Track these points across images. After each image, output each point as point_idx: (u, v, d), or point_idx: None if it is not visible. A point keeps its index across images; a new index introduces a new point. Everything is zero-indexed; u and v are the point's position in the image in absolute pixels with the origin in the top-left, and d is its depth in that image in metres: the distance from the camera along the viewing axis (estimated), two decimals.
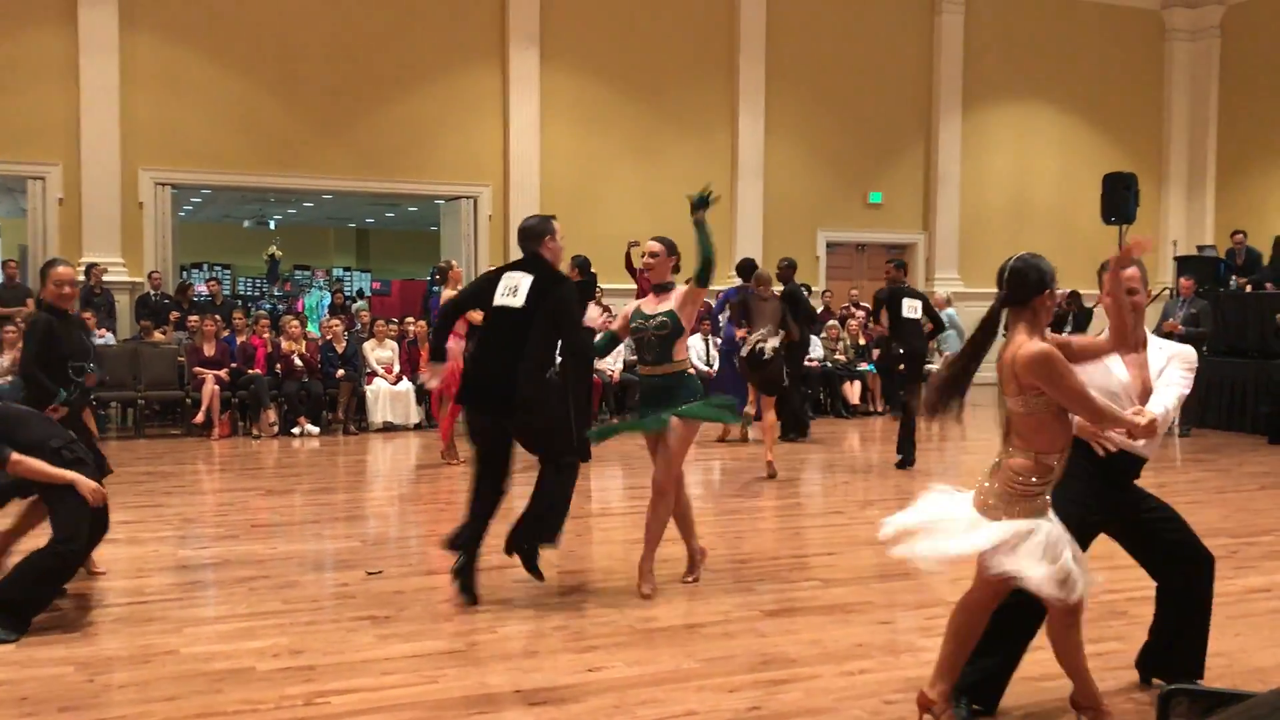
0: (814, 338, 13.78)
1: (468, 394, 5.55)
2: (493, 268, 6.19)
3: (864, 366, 14.42)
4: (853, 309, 15.49)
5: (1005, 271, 3.58)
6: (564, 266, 9.27)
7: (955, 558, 3.58)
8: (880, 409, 14.55)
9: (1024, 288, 3.53)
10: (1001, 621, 3.85)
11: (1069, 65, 18.07)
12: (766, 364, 9.44)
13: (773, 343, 9.41)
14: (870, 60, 16.98)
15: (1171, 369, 4.02)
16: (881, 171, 17.34)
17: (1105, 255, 4.04)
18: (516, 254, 5.73)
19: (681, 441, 5.51)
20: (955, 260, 17.54)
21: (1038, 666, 4.15)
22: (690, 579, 5.77)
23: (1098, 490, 3.96)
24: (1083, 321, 15.23)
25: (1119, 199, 15.17)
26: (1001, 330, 3.68)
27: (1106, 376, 3.90)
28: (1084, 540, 3.84)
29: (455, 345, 10.04)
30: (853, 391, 14.30)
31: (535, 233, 5.56)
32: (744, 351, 9.55)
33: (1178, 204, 18.90)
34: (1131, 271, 3.87)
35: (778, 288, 11.06)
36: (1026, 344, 3.47)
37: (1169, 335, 10.27)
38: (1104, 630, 4.92)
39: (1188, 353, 4.09)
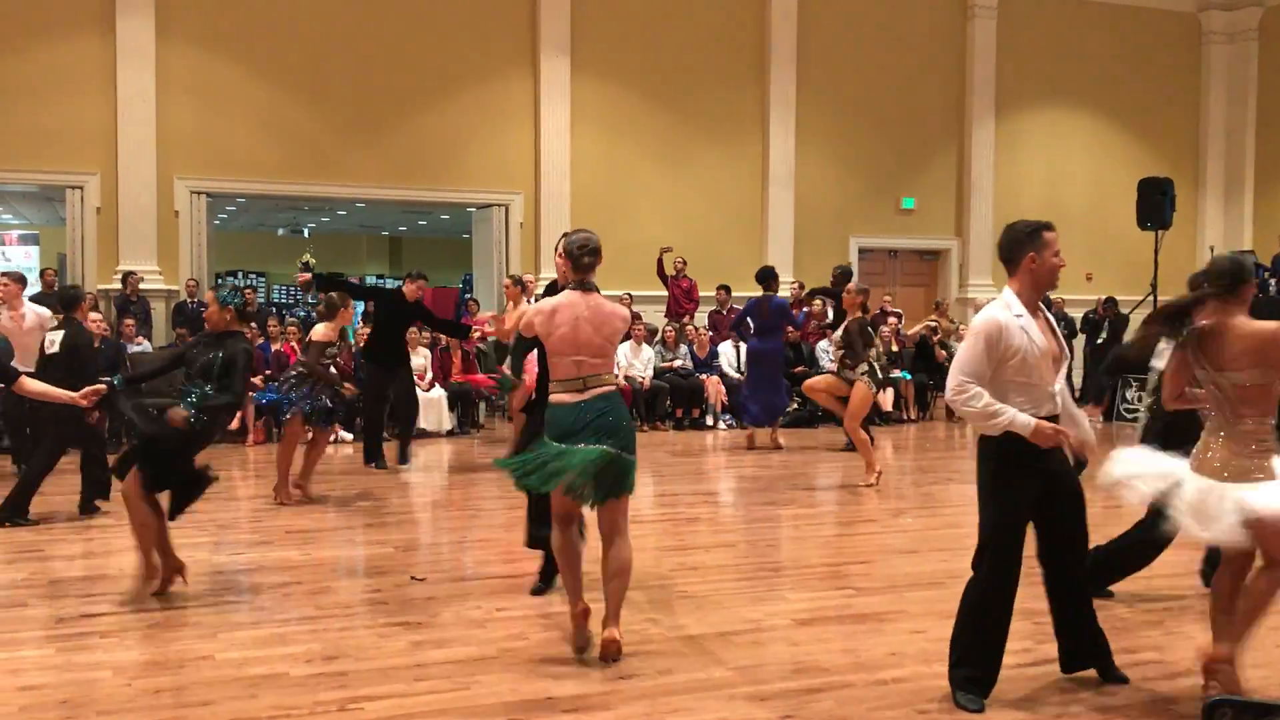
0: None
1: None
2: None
3: (897, 373, 14.34)
4: (886, 314, 15.39)
5: (1212, 266, 4.16)
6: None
7: None
8: (914, 416, 14.51)
9: (1230, 278, 4.04)
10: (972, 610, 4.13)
11: (1103, 69, 17.91)
12: None
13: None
14: (902, 65, 16.90)
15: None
16: (914, 177, 17.25)
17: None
18: (547, 262, 5.73)
19: None
20: (989, 266, 17.37)
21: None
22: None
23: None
24: (1119, 328, 15.04)
25: (1154, 204, 15.01)
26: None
27: (1028, 342, 3.99)
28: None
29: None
30: (885, 399, 14.22)
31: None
32: None
33: (1215, 209, 18.67)
34: (1052, 235, 4.09)
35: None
36: (1271, 325, 3.97)
37: None
38: (1140, 640, 4.88)
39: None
